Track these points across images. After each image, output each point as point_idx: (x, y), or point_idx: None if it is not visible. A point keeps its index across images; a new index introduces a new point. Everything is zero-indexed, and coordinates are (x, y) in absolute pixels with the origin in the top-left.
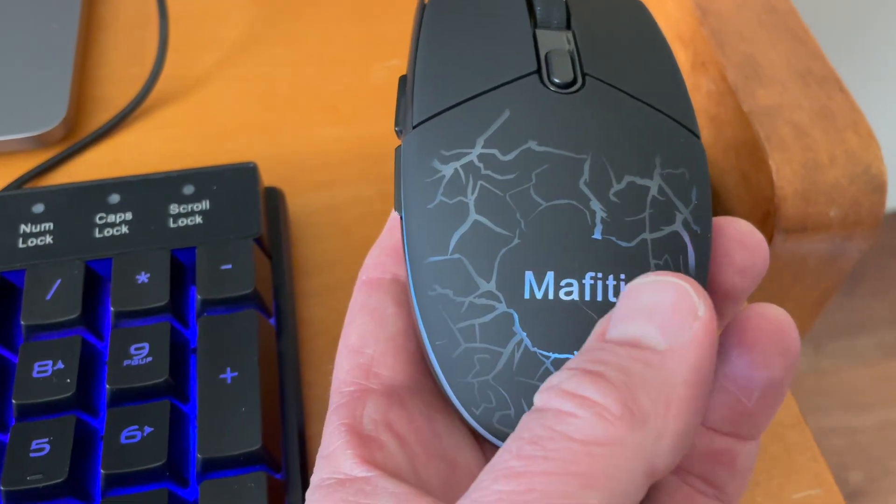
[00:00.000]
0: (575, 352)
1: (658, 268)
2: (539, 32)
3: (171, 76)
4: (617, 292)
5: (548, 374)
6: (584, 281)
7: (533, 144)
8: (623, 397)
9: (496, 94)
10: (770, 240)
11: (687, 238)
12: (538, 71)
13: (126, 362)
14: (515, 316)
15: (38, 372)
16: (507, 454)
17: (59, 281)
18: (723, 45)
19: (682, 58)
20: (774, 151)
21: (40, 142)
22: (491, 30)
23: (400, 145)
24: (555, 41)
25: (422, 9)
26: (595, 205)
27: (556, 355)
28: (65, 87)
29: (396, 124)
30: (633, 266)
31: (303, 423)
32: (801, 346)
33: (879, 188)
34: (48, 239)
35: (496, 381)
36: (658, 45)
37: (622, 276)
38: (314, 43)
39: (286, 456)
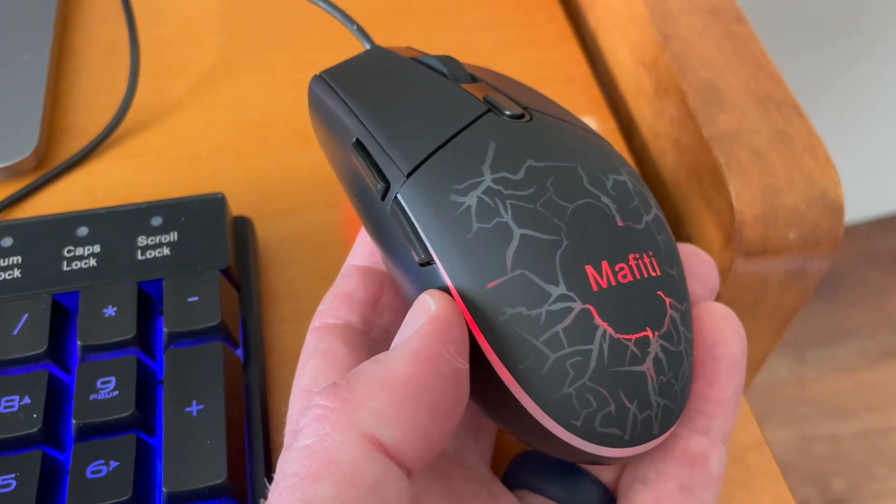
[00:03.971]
0: (647, 327)
1: (663, 243)
2: (463, 85)
3: (142, 103)
4: (653, 267)
5: (634, 356)
6: (630, 263)
7: (532, 162)
8: (337, 390)
9: (469, 133)
10: (732, 262)
11: (663, 218)
12: (490, 111)
13: (92, 396)
14: (593, 309)
15: (5, 407)
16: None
17: (26, 315)
18: (684, 71)
19: (646, 83)
20: (734, 176)
21: (11, 172)
22: (415, 86)
23: (394, 198)
24: (480, 89)
25: (324, 83)
26: (605, 199)
27: (636, 335)
28: (36, 117)
29: (374, 187)
30: (652, 243)
31: (269, 453)
32: (782, 355)
33: (837, 211)
34: (16, 273)
35: (593, 381)
36: (531, 89)
37: (651, 253)
38: (286, 69)
39: (252, 487)
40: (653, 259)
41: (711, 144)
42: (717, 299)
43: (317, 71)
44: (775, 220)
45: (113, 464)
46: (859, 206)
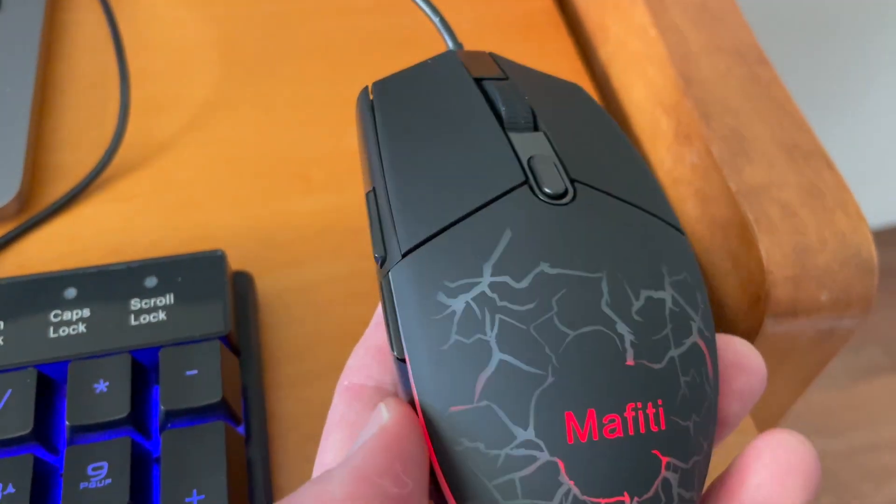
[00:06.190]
0: (625, 492)
1: (687, 385)
2: (512, 136)
3: (132, 141)
4: (657, 420)
5: None
6: (625, 414)
7: (545, 267)
8: None
9: (490, 211)
10: (760, 324)
11: (703, 347)
12: (526, 181)
13: (83, 485)
14: (561, 464)
15: None
16: None
17: (9, 392)
18: (707, 118)
19: (665, 126)
20: (763, 234)
21: None
22: (458, 131)
23: (385, 275)
24: (532, 146)
25: (369, 106)
26: (622, 327)
27: (608, 500)
28: (19, 157)
29: (375, 250)
30: (667, 388)
31: None
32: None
33: (870, 271)
34: None
35: None
36: (614, 132)
37: (660, 402)
38: (284, 105)
39: None
40: (660, 409)
41: (739, 199)
42: None
43: (316, 107)
44: (807, 282)
45: None
46: None
